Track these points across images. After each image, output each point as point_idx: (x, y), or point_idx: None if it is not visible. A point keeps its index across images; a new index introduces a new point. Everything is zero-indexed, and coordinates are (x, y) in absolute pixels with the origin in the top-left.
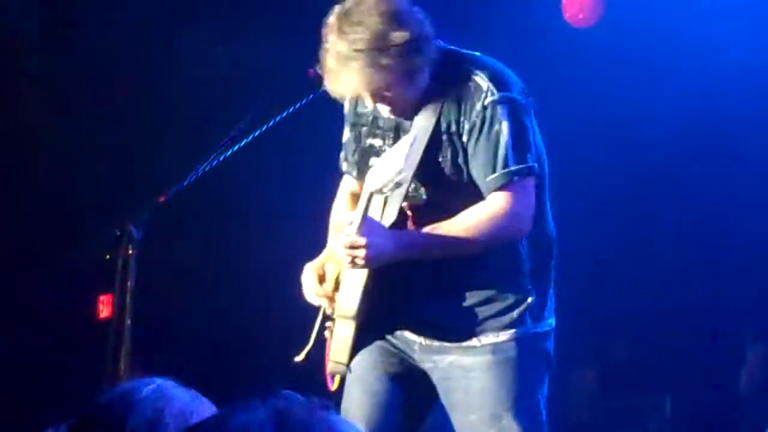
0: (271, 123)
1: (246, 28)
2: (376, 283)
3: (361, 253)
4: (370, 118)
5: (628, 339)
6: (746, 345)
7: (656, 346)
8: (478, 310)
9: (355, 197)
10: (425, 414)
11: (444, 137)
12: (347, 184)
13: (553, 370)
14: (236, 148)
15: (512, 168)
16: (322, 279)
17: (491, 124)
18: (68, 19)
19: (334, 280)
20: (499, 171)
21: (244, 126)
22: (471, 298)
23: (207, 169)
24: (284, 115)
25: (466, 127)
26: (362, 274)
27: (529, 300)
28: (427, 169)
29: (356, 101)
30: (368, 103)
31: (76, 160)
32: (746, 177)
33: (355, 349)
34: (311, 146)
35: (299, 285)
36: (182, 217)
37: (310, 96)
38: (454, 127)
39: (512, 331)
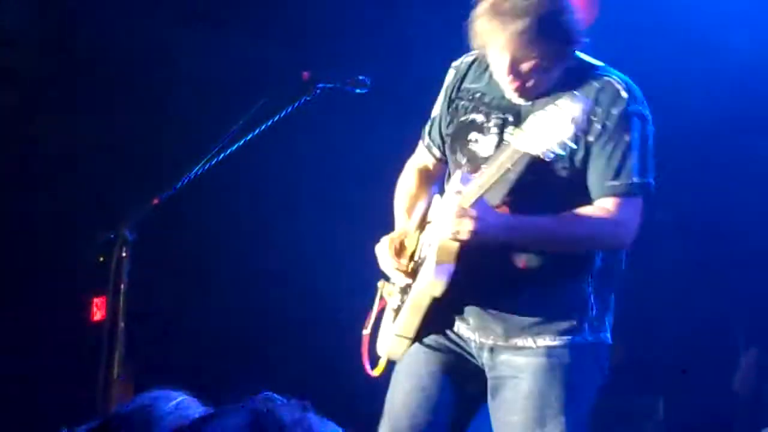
0: (266, 125)
1: (241, 29)
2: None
3: (469, 224)
4: (477, 94)
5: (622, 342)
6: (740, 348)
7: (650, 349)
8: (538, 311)
9: (424, 174)
10: (471, 415)
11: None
12: (420, 159)
13: (603, 383)
14: (230, 150)
15: (635, 180)
16: (398, 253)
17: (624, 133)
18: (64, 20)
19: (409, 257)
20: (623, 179)
21: (238, 128)
22: (533, 298)
23: (201, 171)
24: (279, 117)
25: (597, 127)
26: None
27: (590, 309)
28: (537, 158)
29: (464, 75)
30: (501, 67)
31: (70, 162)
32: (744, 181)
33: (423, 328)
34: (306, 149)
35: (295, 286)
36: (176, 219)
37: (305, 98)
38: (583, 125)
39: (569, 337)
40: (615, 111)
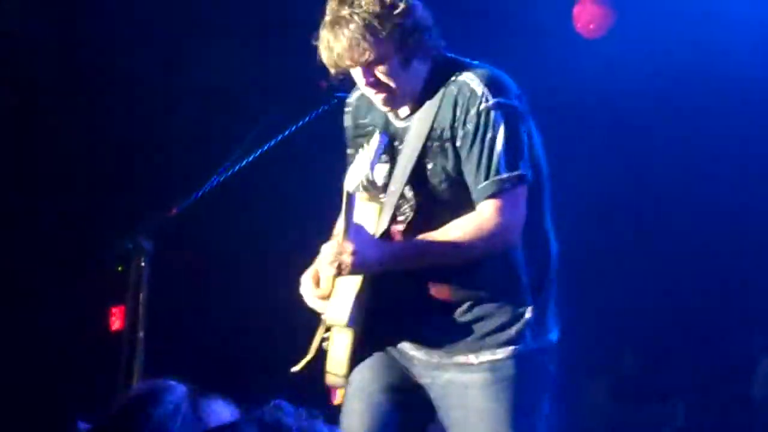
0: (283, 135)
1: (257, 37)
2: (372, 294)
3: (347, 259)
4: (369, 128)
5: (639, 349)
6: (757, 354)
7: (667, 356)
8: (474, 326)
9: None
10: (424, 429)
11: (436, 144)
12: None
13: (554, 387)
14: (248, 160)
15: (503, 176)
16: (318, 283)
17: (485, 131)
18: (78, 28)
19: (331, 284)
20: (491, 179)
21: (255, 137)
22: (466, 313)
23: (219, 180)
24: (296, 126)
25: (460, 133)
26: (354, 283)
27: (527, 315)
28: (420, 177)
29: (356, 113)
30: (358, 79)
31: (88, 172)
32: (757, 186)
33: (354, 362)
34: (322, 157)
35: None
36: (195, 228)
37: (322, 107)
38: (447, 134)
39: (510, 348)
40: (473, 110)
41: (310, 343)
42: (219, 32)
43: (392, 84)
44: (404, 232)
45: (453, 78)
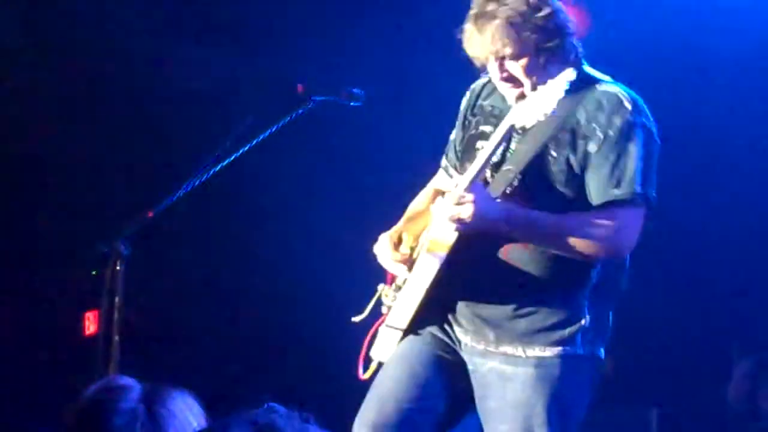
0: (261, 138)
1: (235, 41)
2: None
3: (468, 209)
4: (488, 108)
5: (613, 352)
6: (733, 358)
7: (642, 360)
8: (530, 319)
9: (437, 194)
10: (460, 415)
11: (567, 135)
12: (436, 181)
13: (591, 399)
14: (226, 162)
15: (638, 190)
16: (397, 246)
17: (626, 141)
18: (56, 34)
19: (410, 247)
20: (626, 188)
21: (233, 141)
22: (526, 305)
23: (196, 184)
24: (274, 129)
25: (598, 133)
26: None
27: (583, 321)
28: (540, 163)
29: (479, 94)
30: (493, 73)
31: (64, 176)
32: (734, 191)
33: (416, 321)
34: (302, 159)
35: (290, 298)
36: (172, 232)
37: (300, 111)
38: (583, 131)
39: (560, 348)
40: (618, 120)
41: (288, 344)
42: (197, 35)
43: (526, 81)
44: None
45: (597, 85)
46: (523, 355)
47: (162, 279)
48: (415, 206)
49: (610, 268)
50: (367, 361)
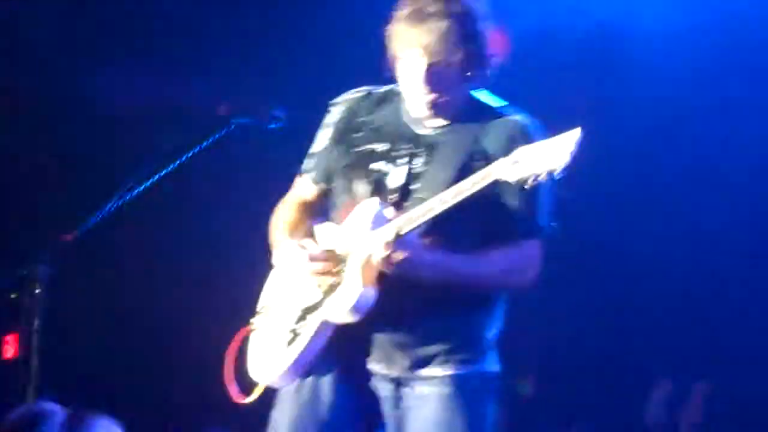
0: (181, 160)
1: (155, 63)
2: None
3: (402, 254)
4: (373, 126)
5: (535, 374)
6: (652, 380)
7: (562, 381)
8: (443, 341)
9: (303, 207)
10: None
11: (481, 164)
12: (298, 194)
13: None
14: (146, 185)
15: (544, 225)
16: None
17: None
18: None
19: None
20: (536, 221)
21: (154, 162)
22: (438, 328)
23: (117, 205)
24: (194, 152)
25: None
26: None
27: (488, 340)
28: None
29: (354, 110)
30: (419, 77)
31: None
32: (656, 211)
33: (322, 354)
34: (225, 181)
35: (211, 319)
36: (93, 254)
37: (220, 133)
38: (491, 157)
39: (473, 366)
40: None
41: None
42: (118, 57)
43: (447, 92)
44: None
45: (502, 112)
46: (440, 374)
47: (88, 300)
48: (285, 224)
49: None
50: (242, 381)
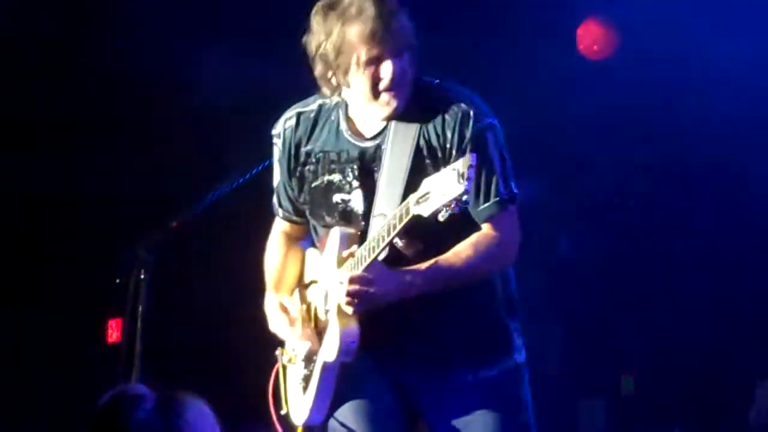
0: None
1: (266, 50)
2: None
3: (367, 292)
4: (320, 154)
5: (637, 372)
6: (755, 380)
7: (664, 380)
8: (467, 346)
9: (288, 239)
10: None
11: (428, 161)
12: (281, 227)
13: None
14: (250, 175)
15: (503, 196)
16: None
17: (481, 151)
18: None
19: (301, 310)
20: (492, 200)
21: (258, 153)
22: (458, 335)
23: (219, 195)
24: None
25: (454, 153)
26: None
27: (510, 332)
28: (410, 193)
29: (295, 140)
30: (386, 73)
31: (89, 183)
32: (757, 216)
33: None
34: None
35: None
36: (196, 242)
37: None
38: (440, 153)
39: (504, 363)
40: (467, 133)
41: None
42: (224, 44)
43: (400, 88)
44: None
45: (435, 97)
46: (476, 381)
47: (187, 289)
48: (274, 270)
49: (505, 283)
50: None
